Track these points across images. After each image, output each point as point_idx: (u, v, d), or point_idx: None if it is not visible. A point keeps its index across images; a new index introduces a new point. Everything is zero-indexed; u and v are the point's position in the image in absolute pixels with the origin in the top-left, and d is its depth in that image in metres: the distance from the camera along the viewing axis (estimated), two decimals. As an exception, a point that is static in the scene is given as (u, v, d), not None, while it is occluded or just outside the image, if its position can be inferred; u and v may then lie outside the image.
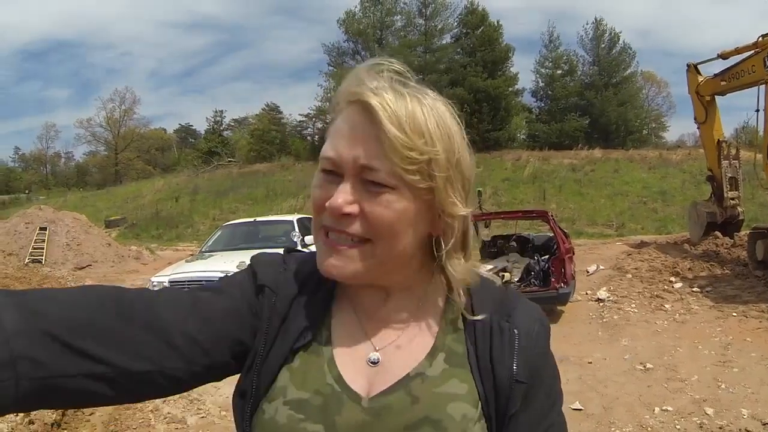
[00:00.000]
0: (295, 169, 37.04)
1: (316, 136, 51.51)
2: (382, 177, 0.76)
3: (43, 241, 16.43)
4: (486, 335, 0.84)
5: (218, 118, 60.52)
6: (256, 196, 31.18)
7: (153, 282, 8.42)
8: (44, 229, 16.90)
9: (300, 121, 54.01)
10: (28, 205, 52.10)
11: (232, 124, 65.95)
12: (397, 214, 0.77)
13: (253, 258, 0.93)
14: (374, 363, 0.83)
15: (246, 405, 0.81)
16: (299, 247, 5.79)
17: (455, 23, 42.08)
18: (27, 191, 79.88)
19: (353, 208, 0.78)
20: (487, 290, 0.89)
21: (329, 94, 42.50)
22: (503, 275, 8.95)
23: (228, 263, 8.06)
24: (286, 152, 45.40)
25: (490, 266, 9.17)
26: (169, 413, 5.17)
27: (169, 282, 8.18)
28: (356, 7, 43.95)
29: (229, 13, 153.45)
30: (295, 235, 9.82)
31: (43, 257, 15.85)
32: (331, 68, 44.63)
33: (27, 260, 15.68)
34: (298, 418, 0.78)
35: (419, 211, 0.79)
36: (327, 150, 0.81)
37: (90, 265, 15.78)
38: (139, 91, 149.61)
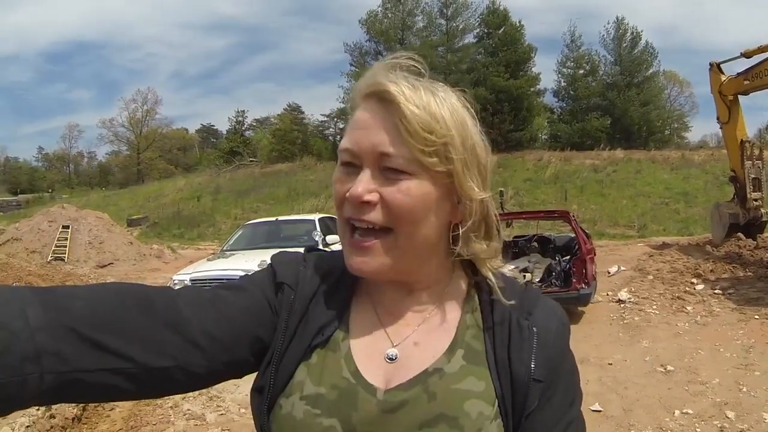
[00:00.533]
0: (317, 169, 37.33)
1: (338, 137, 51.86)
2: (400, 163, 0.78)
3: (66, 239, 16.71)
4: (505, 333, 0.84)
5: (240, 119, 60.95)
6: (278, 196, 31.44)
7: (174, 280, 8.52)
8: (67, 227, 17.19)
9: (322, 122, 54.46)
10: (51, 203, 52.94)
11: (254, 124, 66.59)
12: (416, 200, 0.79)
13: (273, 257, 0.95)
14: (392, 359, 0.84)
15: (264, 401, 0.82)
16: (320, 246, 5.82)
17: (477, 23, 41.99)
18: (50, 190, 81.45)
19: (373, 196, 0.80)
20: (509, 287, 0.89)
21: (347, 97, 42.57)
22: (524, 275, 8.93)
23: (249, 262, 8.12)
24: (308, 152, 45.67)
25: (511, 266, 9.16)
26: (188, 410, 5.23)
27: (191, 280, 8.27)
28: (378, 7, 44.10)
29: (249, 15, 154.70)
30: (316, 235, 9.88)
31: (66, 255, 16.13)
32: (353, 68, 44.83)
33: (50, 258, 15.97)
34: (314, 413, 0.79)
35: (439, 197, 0.81)
36: (345, 142, 0.83)
37: (112, 264, 16.03)
38: (162, 92, 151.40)
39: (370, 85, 0.82)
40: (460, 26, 42.68)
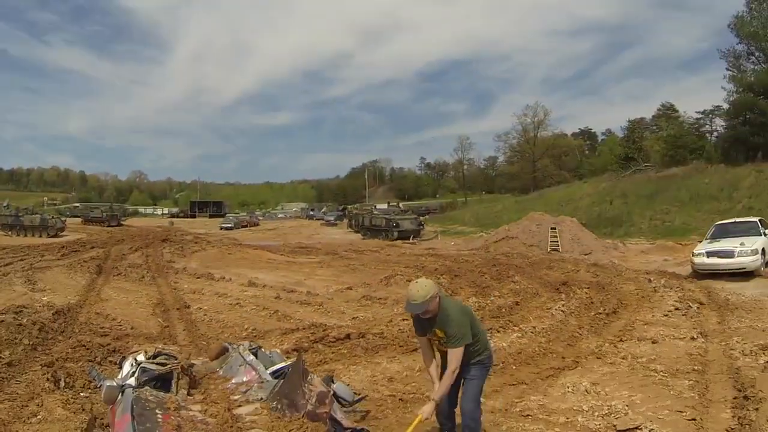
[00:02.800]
0: (709, 172, 40.18)
1: (715, 134, 52.39)
2: None
3: (556, 236, 26.00)
4: None
5: (631, 126, 65.15)
6: (682, 199, 35.92)
7: (695, 252, 16.07)
8: (554, 228, 26.55)
9: (697, 119, 55.08)
10: (463, 207, 66.13)
11: (652, 126, 68.75)
12: None
13: None
14: None
15: None
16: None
17: None
18: (436, 195, 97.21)
19: None
20: None
21: (731, 97, 44.55)
22: None
23: (731, 244, 15.21)
24: (699, 154, 47.94)
25: None
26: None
27: (706, 253, 15.61)
28: (743, 6, 45.08)
29: (609, 15, 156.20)
30: (760, 230, 16.25)
31: (560, 247, 25.31)
32: (728, 71, 46.48)
33: (549, 249, 25.33)
34: None
35: None
36: None
37: (590, 253, 24.48)
38: (533, 98, 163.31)
39: None
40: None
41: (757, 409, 5.24)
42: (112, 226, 47.99)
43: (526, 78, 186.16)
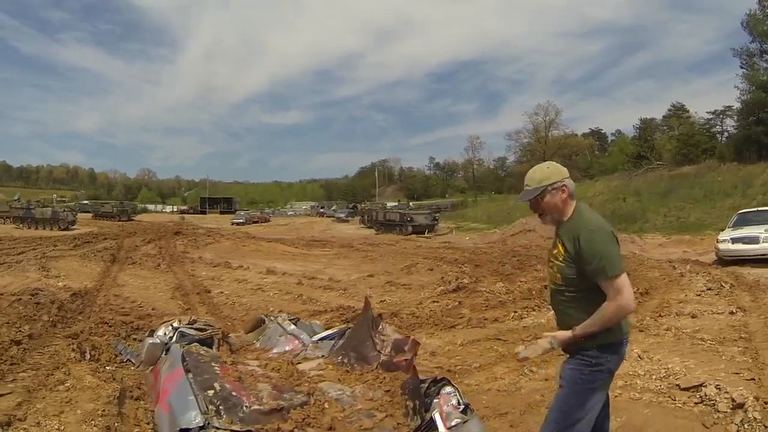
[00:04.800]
0: (722, 170, 40.21)
1: (726, 134, 52.03)
2: None
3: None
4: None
5: (643, 125, 64.83)
6: (696, 196, 35.89)
7: (720, 239, 15.83)
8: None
9: (708, 119, 54.71)
10: (474, 206, 65.81)
11: (662, 125, 68.44)
12: None
13: None
14: None
15: None
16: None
17: None
18: (446, 195, 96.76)
19: None
20: None
21: (744, 97, 44.08)
22: None
23: (756, 231, 15.06)
24: (710, 153, 47.58)
25: None
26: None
27: (731, 239, 15.47)
28: (756, 4, 44.59)
29: (621, 16, 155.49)
30: None
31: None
32: (743, 70, 46.03)
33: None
34: None
35: None
36: None
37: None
38: (543, 98, 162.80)
39: None
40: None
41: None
42: (123, 221, 47.85)
43: (536, 79, 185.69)
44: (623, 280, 2.67)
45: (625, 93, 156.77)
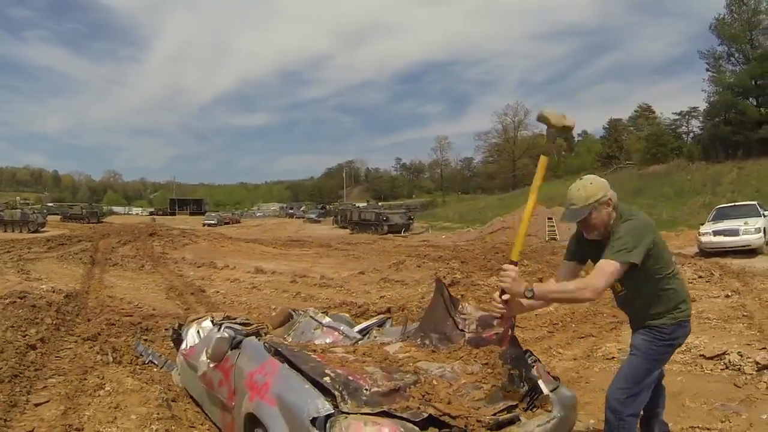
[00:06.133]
0: (691, 170, 41.36)
1: (692, 134, 53.58)
2: None
3: (553, 226, 25.78)
4: None
5: (612, 126, 65.89)
6: (667, 194, 36.71)
7: (701, 231, 16.26)
8: (551, 218, 26.33)
9: (674, 120, 56.18)
10: (443, 206, 66.09)
11: (629, 126, 69.71)
12: None
13: None
14: None
15: None
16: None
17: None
18: (412, 196, 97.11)
19: None
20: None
21: (711, 98, 45.49)
22: None
23: (736, 224, 15.59)
24: (677, 153, 48.80)
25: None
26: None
27: (712, 232, 15.95)
28: (724, 11, 46.19)
29: (589, 19, 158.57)
30: (761, 211, 16.49)
31: (557, 236, 25.10)
32: (709, 73, 47.60)
33: (547, 238, 25.11)
34: None
35: None
36: None
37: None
38: (508, 100, 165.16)
39: None
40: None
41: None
42: (93, 223, 46.59)
43: (503, 80, 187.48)
44: (613, 268, 2.73)
45: (591, 94, 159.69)
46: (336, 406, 2.47)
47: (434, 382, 2.79)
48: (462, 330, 3.37)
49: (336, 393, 2.51)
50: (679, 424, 3.87)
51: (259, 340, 3.64)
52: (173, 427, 3.55)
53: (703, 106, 49.16)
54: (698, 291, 9.65)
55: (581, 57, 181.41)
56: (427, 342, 3.44)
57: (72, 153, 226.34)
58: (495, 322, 3.23)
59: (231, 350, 3.44)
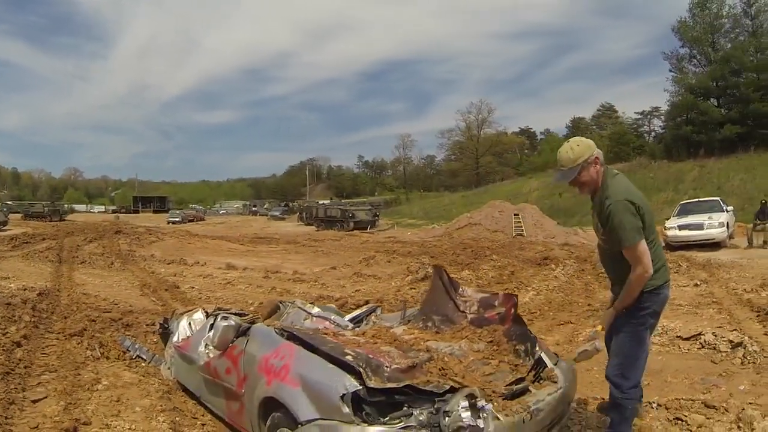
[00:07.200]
0: (653, 167, 42.49)
1: (653, 133, 55.16)
2: None
3: (520, 222, 26.24)
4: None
5: (575, 124, 66.98)
6: None
7: (667, 225, 16.68)
8: (517, 214, 26.80)
9: (636, 119, 57.58)
10: (410, 203, 66.35)
11: (592, 125, 71.05)
12: None
13: None
14: None
15: None
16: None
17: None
18: (375, 193, 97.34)
19: None
20: None
21: (673, 98, 46.92)
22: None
23: (700, 218, 16.19)
24: (639, 152, 50.03)
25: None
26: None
27: (678, 226, 16.57)
28: (686, 14, 47.58)
29: (553, 19, 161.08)
30: (722, 207, 17.27)
31: (523, 232, 25.57)
32: (672, 73, 49.22)
33: (514, 234, 25.54)
34: None
35: None
36: None
37: (554, 237, 24.86)
38: (472, 98, 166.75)
39: None
40: (765, 24, 44.22)
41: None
42: (56, 221, 45.28)
43: (466, 79, 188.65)
44: (641, 248, 3.04)
45: (555, 94, 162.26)
46: (362, 383, 2.58)
47: (446, 359, 2.95)
48: (463, 312, 3.54)
49: (360, 370, 2.61)
50: (665, 396, 4.17)
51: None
52: (177, 419, 3.60)
53: (664, 106, 50.68)
54: (668, 281, 10.15)
55: (546, 56, 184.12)
56: (429, 324, 3.60)
57: (33, 150, 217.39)
58: (496, 303, 3.43)
59: (237, 338, 3.51)
